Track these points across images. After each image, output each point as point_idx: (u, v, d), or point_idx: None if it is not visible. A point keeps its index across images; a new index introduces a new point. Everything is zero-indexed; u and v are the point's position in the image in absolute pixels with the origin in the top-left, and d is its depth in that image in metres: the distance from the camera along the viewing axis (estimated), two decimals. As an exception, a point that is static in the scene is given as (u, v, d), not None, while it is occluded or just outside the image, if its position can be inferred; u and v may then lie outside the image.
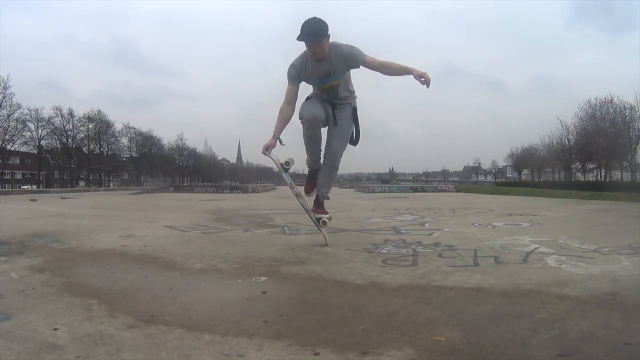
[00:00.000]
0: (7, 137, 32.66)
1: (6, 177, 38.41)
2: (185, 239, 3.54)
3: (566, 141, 32.08)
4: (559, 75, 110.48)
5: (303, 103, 2.93)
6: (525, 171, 46.42)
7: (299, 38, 2.63)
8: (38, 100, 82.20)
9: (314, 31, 2.62)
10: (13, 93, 31.79)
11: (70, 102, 61.66)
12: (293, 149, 3.06)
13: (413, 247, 3.01)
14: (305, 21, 2.62)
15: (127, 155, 48.84)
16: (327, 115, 2.94)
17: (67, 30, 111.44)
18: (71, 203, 10.34)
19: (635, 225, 4.38)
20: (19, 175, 42.32)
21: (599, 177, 29.52)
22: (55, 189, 29.25)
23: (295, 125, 2.94)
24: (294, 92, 2.87)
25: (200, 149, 62.16)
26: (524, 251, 2.76)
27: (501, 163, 55.62)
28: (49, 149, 38.24)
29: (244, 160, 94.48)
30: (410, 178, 73.42)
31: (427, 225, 4.57)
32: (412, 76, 2.72)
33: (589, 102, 29.42)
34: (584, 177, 32.02)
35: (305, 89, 3.00)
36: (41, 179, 38.38)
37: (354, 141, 3.12)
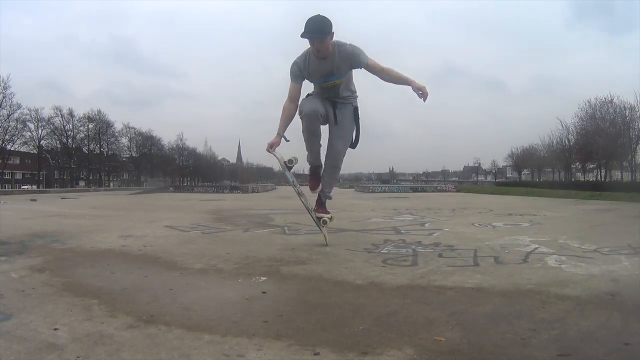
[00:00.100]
0: (7, 137, 32.74)
1: (6, 177, 38.43)
2: (185, 239, 3.54)
3: (566, 141, 32.15)
4: (559, 75, 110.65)
5: (302, 99, 2.93)
6: (525, 171, 46.45)
7: (303, 35, 2.62)
8: (38, 100, 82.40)
9: (317, 28, 2.62)
10: (13, 93, 31.91)
11: (70, 102, 61.83)
12: (295, 149, 3.06)
13: (413, 247, 3.01)
14: (309, 18, 2.62)
15: (127, 155, 48.88)
16: (327, 113, 2.94)
17: (67, 30, 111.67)
18: (71, 203, 10.34)
19: (635, 225, 4.38)
20: (19, 175, 42.34)
21: (599, 177, 29.52)
22: (55, 189, 29.26)
23: (298, 125, 2.95)
24: (297, 90, 2.87)
25: (200, 149, 62.35)
26: (524, 251, 2.76)
27: (501, 163, 55.75)
28: (49, 149, 38.27)
29: (244, 160, 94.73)
30: (410, 178, 73.44)
31: (427, 225, 4.57)
32: (410, 88, 2.73)
33: (589, 102, 29.51)
34: (584, 177, 32.03)
35: (306, 88, 3.00)
36: (41, 179, 38.39)
37: (353, 144, 3.12)
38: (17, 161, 40.80)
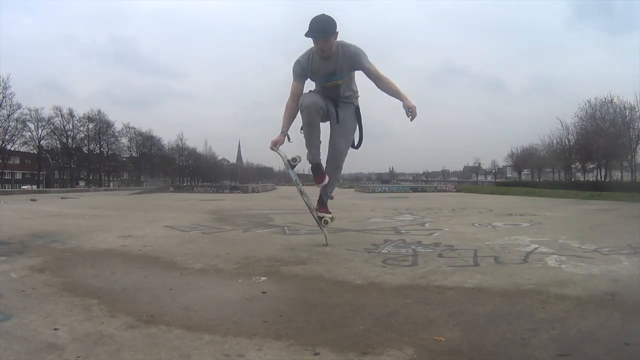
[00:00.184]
0: (7, 137, 32.75)
1: (6, 177, 38.44)
2: (185, 239, 3.54)
3: (566, 141, 32.17)
4: (559, 75, 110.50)
5: (303, 94, 2.92)
6: (525, 171, 46.47)
7: (307, 34, 2.62)
8: (38, 100, 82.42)
9: (322, 28, 2.62)
10: (13, 93, 31.92)
11: (70, 102, 61.74)
12: (296, 149, 3.06)
13: (413, 247, 3.01)
14: (314, 18, 2.61)
15: (127, 155, 48.89)
16: (329, 111, 2.94)
17: (67, 30, 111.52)
18: (71, 203, 10.34)
19: (635, 225, 4.38)
20: (19, 175, 42.35)
21: (599, 177, 29.54)
22: (55, 189, 29.24)
23: (299, 124, 2.94)
24: (299, 89, 2.87)
25: (200, 149, 62.35)
26: (524, 251, 2.76)
27: (501, 163, 55.76)
28: (49, 149, 38.26)
29: (244, 160, 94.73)
30: (410, 178, 73.42)
31: (427, 225, 4.57)
32: (401, 104, 2.73)
33: (589, 102, 29.52)
34: (584, 177, 32.04)
35: (308, 88, 2.99)
36: (41, 179, 38.39)
37: (357, 144, 3.11)
38: (17, 161, 40.82)
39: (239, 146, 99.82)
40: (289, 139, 2.89)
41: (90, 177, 44.23)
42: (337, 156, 3.06)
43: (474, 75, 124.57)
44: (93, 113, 41.00)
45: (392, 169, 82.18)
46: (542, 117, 76.47)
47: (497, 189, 23.43)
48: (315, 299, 1.77)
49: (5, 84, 31.14)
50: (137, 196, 17.22)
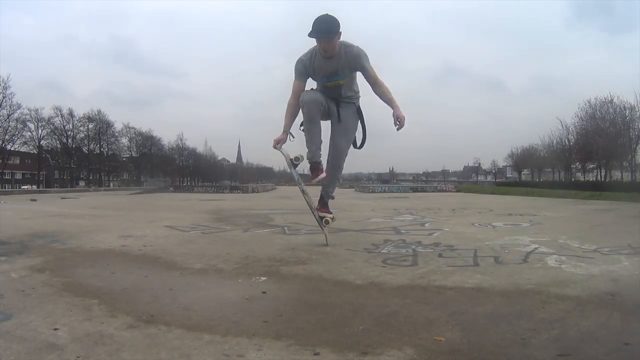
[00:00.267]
0: (7, 137, 32.73)
1: (6, 177, 38.42)
2: (185, 239, 3.54)
3: (566, 141, 32.16)
4: (559, 75, 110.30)
5: (303, 92, 2.92)
6: (525, 171, 46.44)
7: (311, 34, 2.62)
8: (38, 100, 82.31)
9: (326, 28, 2.62)
10: (13, 93, 31.90)
11: (70, 102, 61.64)
12: (299, 148, 3.07)
13: (413, 247, 3.01)
14: (317, 18, 2.62)
15: (127, 155, 48.88)
16: (330, 109, 2.94)
17: (67, 30, 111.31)
18: (71, 203, 10.34)
19: (635, 225, 4.38)
20: (19, 175, 42.34)
21: (599, 177, 29.53)
22: (55, 189, 29.24)
23: (300, 123, 2.94)
24: (300, 87, 2.88)
25: (200, 149, 62.31)
26: (524, 251, 2.76)
27: (501, 163, 55.73)
28: (49, 149, 38.25)
29: (244, 160, 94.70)
30: (410, 178, 73.41)
31: (427, 225, 4.57)
32: (392, 112, 2.77)
33: (589, 102, 29.51)
34: (584, 177, 32.04)
35: (309, 87, 2.99)
36: (41, 179, 38.39)
37: (360, 144, 3.10)
38: (17, 161, 40.80)
39: (239, 146, 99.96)
40: (291, 137, 2.90)
41: (90, 177, 44.22)
42: (338, 156, 3.06)
43: (474, 75, 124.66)
44: (93, 113, 41.07)
45: (392, 169, 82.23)
46: (542, 117, 76.51)
47: (497, 189, 23.43)
48: (315, 299, 1.77)
49: (5, 84, 31.18)
50: (137, 196, 17.22)
